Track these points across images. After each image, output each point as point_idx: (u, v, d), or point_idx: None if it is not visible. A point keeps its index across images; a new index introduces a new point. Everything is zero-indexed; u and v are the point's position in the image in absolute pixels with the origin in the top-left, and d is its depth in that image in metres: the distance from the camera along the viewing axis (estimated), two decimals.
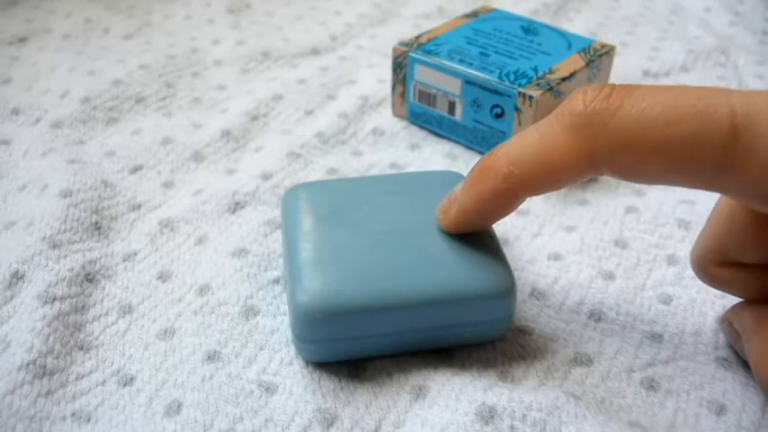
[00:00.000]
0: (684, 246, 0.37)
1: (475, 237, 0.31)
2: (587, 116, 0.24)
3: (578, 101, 0.24)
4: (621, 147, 0.24)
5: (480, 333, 0.31)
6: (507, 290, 0.29)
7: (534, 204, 0.41)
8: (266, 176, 0.43)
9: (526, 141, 0.26)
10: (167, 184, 0.42)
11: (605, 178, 0.43)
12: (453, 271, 0.29)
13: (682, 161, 0.23)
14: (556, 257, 0.37)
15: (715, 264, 0.30)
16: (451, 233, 0.31)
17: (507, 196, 0.27)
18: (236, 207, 0.40)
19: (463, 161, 0.45)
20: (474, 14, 0.52)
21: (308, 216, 0.32)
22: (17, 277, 0.34)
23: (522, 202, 0.28)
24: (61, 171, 0.41)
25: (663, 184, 0.25)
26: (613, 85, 0.24)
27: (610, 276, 0.36)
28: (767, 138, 0.22)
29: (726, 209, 0.29)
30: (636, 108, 0.23)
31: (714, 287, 0.31)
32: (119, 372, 0.30)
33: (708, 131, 0.22)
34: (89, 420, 0.29)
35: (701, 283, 0.35)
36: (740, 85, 0.55)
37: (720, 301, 0.34)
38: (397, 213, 0.32)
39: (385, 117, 0.50)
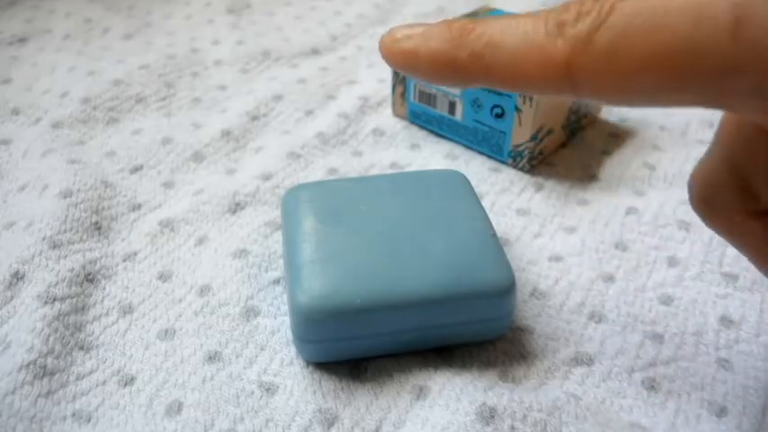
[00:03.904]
0: (685, 247, 0.37)
1: (475, 236, 0.31)
2: (574, 27, 0.20)
3: (572, 11, 0.21)
4: (603, 63, 0.20)
5: (481, 332, 0.31)
6: (507, 288, 0.29)
7: (535, 204, 0.41)
8: (266, 177, 0.43)
9: (512, 31, 0.22)
10: (167, 184, 0.42)
11: (605, 178, 0.43)
12: (453, 269, 0.29)
13: (674, 73, 0.19)
14: (556, 259, 0.37)
15: (731, 205, 0.24)
16: (388, 61, 0.25)
17: (465, 73, 0.23)
18: (236, 207, 0.40)
19: (463, 161, 0.45)
20: (474, 14, 0.51)
21: (308, 216, 0.32)
22: (17, 277, 0.34)
23: (475, 85, 0.24)
24: (61, 171, 0.41)
25: (654, 105, 0.21)
26: None
27: (610, 278, 0.36)
28: None
29: (738, 132, 0.23)
30: (623, 17, 0.20)
31: (725, 237, 0.25)
32: (119, 372, 0.30)
33: (704, 31, 0.18)
34: (89, 420, 0.28)
35: (701, 284, 0.35)
36: None
37: (722, 302, 0.34)
38: (396, 213, 0.32)
39: (385, 117, 0.50)
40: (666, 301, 0.34)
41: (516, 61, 0.22)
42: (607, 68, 0.20)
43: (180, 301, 0.34)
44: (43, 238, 0.36)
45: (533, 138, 0.42)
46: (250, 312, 0.33)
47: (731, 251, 0.37)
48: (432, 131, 0.48)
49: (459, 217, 0.32)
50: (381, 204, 0.32)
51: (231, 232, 0.38)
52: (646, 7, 0.19)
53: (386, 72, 0.55)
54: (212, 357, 0.31)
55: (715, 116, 0.51)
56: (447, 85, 0.24)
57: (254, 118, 0.49)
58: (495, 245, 0.31)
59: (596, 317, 0.33)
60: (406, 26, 0.25)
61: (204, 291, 0.35)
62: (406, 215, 0.32)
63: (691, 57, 0.18)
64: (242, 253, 0.37)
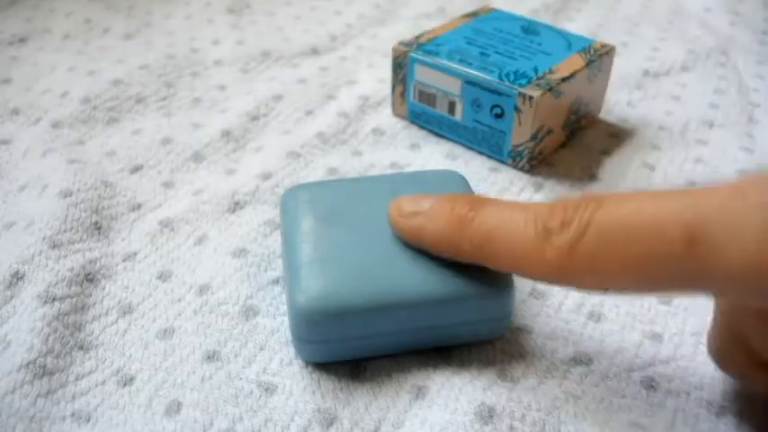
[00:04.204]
0: None
1: None
2: (559, 237, 0.24)
3: (557, 218, 0.25)
4: (587, 267, 0.24)
5: (479, 332, 0.31)
6: (505, 289, 0.29)
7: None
8: (266, 176, 0.43)
9: (504, 227, 0.26)
10: (167, 184, 0.42)
11: (605, 178, 0.43)
12: (452, 270, 0.29)
13: (646, 279, 0.23)
14: None
15: (740, 361, 0.28)
16: (396, 234, 0.31)
17: (464, 257, 0.28)
18: (235, 207, 0.40)
19: (463, 161, 0.45)
20: (474, 14, 0.52)
21: (307, 216, 0.32)
22: (17, 277, 0.34)
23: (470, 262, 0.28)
24: (61, 171, 0.41)
25: (634, 295, 0.25)
26: (587, 202, 0.24)
27: None
28: (725, 245, 0.20)
29: (726, 304, 0.27)
30: (599, 230, 0.23)
31: (742, 383, 0.30)
32: (118, 372, 0.31)
33: (664, 249, 0.22)
34: (89, 420, 0.29)
35: None
36: (740, 85, 0.55)
37: None
38: None
39: (385, 117, 0.50)
40: (665, 300, 0.34)
41: (511, 259, 0.26)
42: (590, 272, 0.24)
43: (179, 300, 0.34)
44: (43, 238, 0.36)
45: (533, 138, 0.42)
46: (249, 312, 0.33)
47: None
48: (431, 131, 0.48)
49: None
50: (380, 204, 0.32)
51: (231, 231, 0.39)
52: (618, 222, 0.23)
53: (386, 72, 0.55)
54: (211, 357, 0.31)
55: (714, 116, 0.51)
56: (449, 258, 0.29)
57: (254, 118, 0.49)
58: None
59: (595, 316, 0.33)
60: (411, 200, 0.30)
61: (203, 290, 0.35)
62: None
63: (656, 267, 0.22)
64: (241, 252, 0.37)
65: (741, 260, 0.20)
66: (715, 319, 0.28)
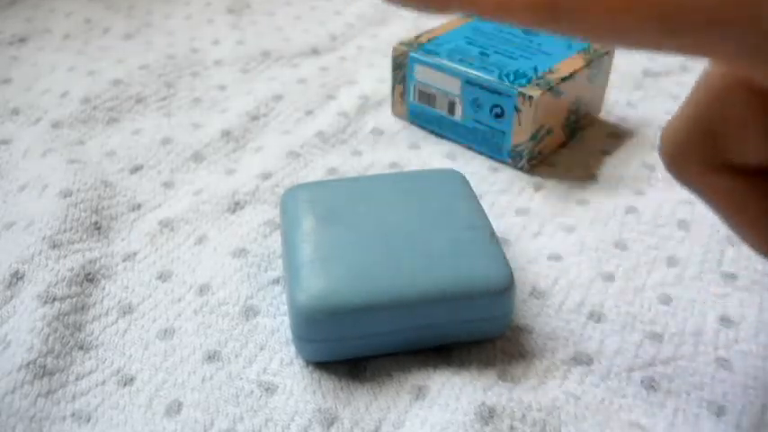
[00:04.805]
0: (684, 247, 0.37)
1: (473, 235, 0.31)
2: None
3: None
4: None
5: (480, 331, 0.31)
6: (506, 287, 0.30)
7: (534, 204, 0.41)
8: (266, 176, 0.43)
9: None
10: (167, 184, 0.42)
11: (605, 178, 0.43)
12: (452, 269, 0.29)
13: (658, 17, 0.18)
14: (556, 258, 0.37)
15: (701, 159, 0.23)
16: None
17: (452, 3, 0.21)
18: (235, 207, 0.40)
19: (463, 161, 0.45)
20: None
21: (307, 216, 0.32)
22: (17, 277, 0.34)
23: (451, 12, 0.21)
24: (61, 171, 0.41)
25: (637, 49, 0.19)
26: None
27: (610, 277, 0.36)
28: None
29: (719, 82, 0.22)
30: None
31: (693, 191, 0.25)
32: (119, 372, 0.30)
33: None
34: (89, 420, 0.29)
35: (701, 283, 0.35)
36: None
37: (721, 301, 0.34)
38: (395, 212, 0.32)
39: (385, 117, 0.50)
40: (666, 300, 0.34)
41: None
42: (591, 4, 0.18)
43: (179, 300, 0.34)
44: (43, 238, 0.36)
45: (533, 137, 0.42)
46: (249, 312, 0.33)
47: (730, 251, 0.37)
48: (431, 131, 0.48)
49: (457, 216, 0.32)
50: (380, 204, 0.32)
51: (230, 231, 0.39)
52: None
53: (386, 72, 0.55)
54: (211, 357, 0.31)
55: None
56: (431, 11, 0.21)
57: (254, 118, 0.49)
58: (493, 244, 0.31)
59: (595, 316, 0.33)
60: None
61: (203, 290, 0.35)
62: (404, 215, 0.32)
63: (676, 3, 0.17)
64: (241, 252, 0.37)
65: None
66: (684, 108, 0.24)
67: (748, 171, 0.23)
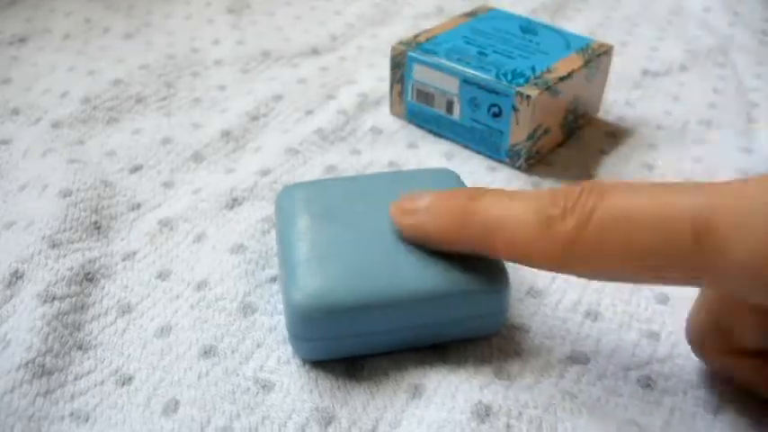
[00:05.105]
0: None
1: None
2: (563, 225, 0.24)
3: (559, 206, 0.25)
4: (590, 255, 0.24)
5: (476, 328, 0.31)
6: (500, 284, 0.30)
7: None
8: (264, 172, 0.43)
9: (508, 214, 0.26)
10: (167, 184, 0.43)
11: (603, 177, 0.43)
12: (447, 267, 0.29)
13: (649, 269, 0.23)
14: None
15: (718, 348, 0.28)
16: (399, 232, 0.31)
17: (465, 247, 0.28)
18: (233, 203, 0.40)
19: (461, 160, 0.45)
20: (472, 14, 0.52)
21: (302, 215, 0.32)
22: (17, 276, 0.34)
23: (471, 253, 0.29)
24: (61, 171, 0.42)
25: (636, 283, 0.25)
26: (590, 190, 0.24)
27: None
28: (733, 240, 0.21)
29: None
30: (601, 219, 0.24)
31: (717, 371, 0.30)
32: (117, 371, 0.31)
33: (671, 241, 0.22)
34: (87, 420, 0.29)
35: None
36: (739, 85, 0.55)
37: None
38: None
39: (384, 115, 0.50)
40: (662, 299, 0.34)
41: (513, 247, 0.26)
42: (593, 260, 0.24)
43: (177, 297, 0.34)
44: (43, 238, 0.36)
45: (530, 137, 0.43)
46: (247, 309, 0.33)
47: None
48: (429, 130, 0.48)
49: None
50: (375, 203, 0.32)
51: (229, 228, 0.39)
52: (623, 211, 0.23)
53: (385, 71, 0.55)
54: (208, 352, 0.31)
55: (713, 116, 0.51)
56: (452, 252, 0.29)
57: (254, 118, 0.49)
58: None
59: (592, 315, 0.33)
60: (411, 197, 0.30)
61: (201, 285, 0.35)
62: None
63: (661, 257, 0.22)
64: (239, 248, 0.37)
65: (747, 256, 0.21)
66: (698, 304, 0.29)
67: (760, 351, 0.28)
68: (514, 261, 0.27)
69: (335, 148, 0.46)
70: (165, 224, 0.39)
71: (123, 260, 0.37)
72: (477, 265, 0.30)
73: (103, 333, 0.32)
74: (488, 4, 0.64)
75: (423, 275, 0.29)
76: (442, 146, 0.47)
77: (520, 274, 0.36)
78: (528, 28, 0.49)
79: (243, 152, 0.46)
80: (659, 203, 0.23)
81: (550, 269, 0.26)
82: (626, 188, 0.24)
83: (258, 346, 0.32)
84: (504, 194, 0.27)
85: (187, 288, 0.35)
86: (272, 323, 0.33)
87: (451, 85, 0.44)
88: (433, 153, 0.46)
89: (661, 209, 0.22)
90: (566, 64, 0.44)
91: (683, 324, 0.33)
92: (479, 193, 0.28)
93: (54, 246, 0.36)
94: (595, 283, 0.35)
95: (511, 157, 0.44)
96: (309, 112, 0.50)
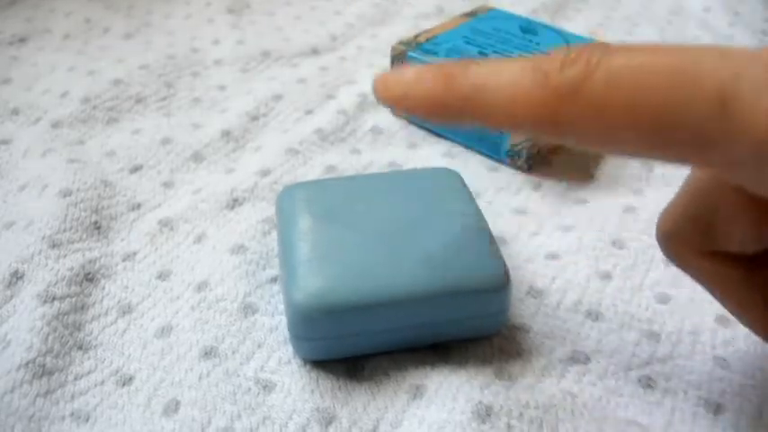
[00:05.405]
0: None
1: (469, 233, 0.31)
2: (561, 79, 0.21)
3: (556, 61, 0.22)
4: (589, 115, 0.21)
5: (476, 328, 0.31)
6: (501, 283, 0.30)
7: (532, 203, 0.41)
8: (265, 173, 0.43)
9: (499, 75, 0.23)
10: (167, 184, 0.42)
11: (603, 177, 0.43)
12: (448, 266, 0.29)
13: (658, 133, 0.20)
14: (553, 256, 0.37)
15: (693, 246, 0.26)
16: (383, 103, 0.26)
17: (454, 114, 0.24)
18: (234, 204, 0.40)
19: (461, 160, 0.45)
20: (473, 14, 0.52)
21: (303, 215, 0.32)
22: (17, 277, 0.34)
23: (466, 123, 0.25)
24: (61, 171, 0.42)
25: (636, 157, 0.22)
26: (595, 45, 0.21)
27: (607, 276, 0.36)
28: (760, 110, 0.18)
29: (708, 178, 0.25)
30: (612, 71, 0.20)
31: (687, 273, 0.27)
32: (117, 372, 0.31)
33: (688, 102, 0.19)
34: (88, 420, 0.29)
35: None
36: None
37: None
38: (391, 210, 0.32)
39: (384, 116, 0.50)
40: (663, 299, 0.34)
41: (502, 106, 0.22)
42: (593, 120, 0.21)
43: (178, 298, 0.34)
44: (43, 238, 0.36)
45: (531, 137, 0.42)
46: (248, 309, 0.33)
47: None
48: (430, 130, 0.48)
49: (453, 214, 0.32)
50: (376, 203, 0.33)
51: (229, 228, 0.39)
52: (638, 66, 0.20)
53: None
54: (208, 353, 0.31)
55: None
56: (440, 122, 0.25)
57: (254, 118, 0.49)
58: (489, 241, 0.31)
59: (593, 315, 0.33)
60: (396, 72, 0.26)
61: (202, 286, 0.35)
62: (400, 213, 0.32)
63: (676, 121, 0.19)
64: (240, 249, 0.37)
65: None
66: (678, 197, 0.27)
67: (737, 257, 0.25)
68: (504, 125, 0.23)
69: (335, 148, 0.46)
70: (166, 224, 0.39)
71: (123, 260, 0.37)
72: (479, 264, 0.30)
73: (104, 333, 0.32)
74: (488, 4, 0.64)
75: (424, 275, 0.29)
76: (443, 146, 0.47)
77: (520, 274, 0.36)
78: (528, 28, 0.49)
79: (243, 152, 0.46)
80: (683, 61, 0.20)
81: (545, 131, 0.22)
82: (640, 46, 0.21)
83: (259, 346, 0.32)
84: (498, 59, 0.24)
85: (188, 289, 0.35)
86: (273, 324, 0.33)
87: None
88: (433, 153, 0.46)
89: (686, 67, 0.19)
90: None
91: (684, 324, 0.33)
92: (470, 61, 0.24)
93: (54, 246, 0.36)
94: (596, 283, 0.35)
95: (511, 158, 0.44)
96: (309, 112, 0.50)
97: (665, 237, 0.27)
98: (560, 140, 0.22)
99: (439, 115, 0.25)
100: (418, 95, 0.25)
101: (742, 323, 0.27)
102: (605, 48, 0.21)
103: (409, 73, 0.25)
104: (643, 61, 0.20)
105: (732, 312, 0.27)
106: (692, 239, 0.26)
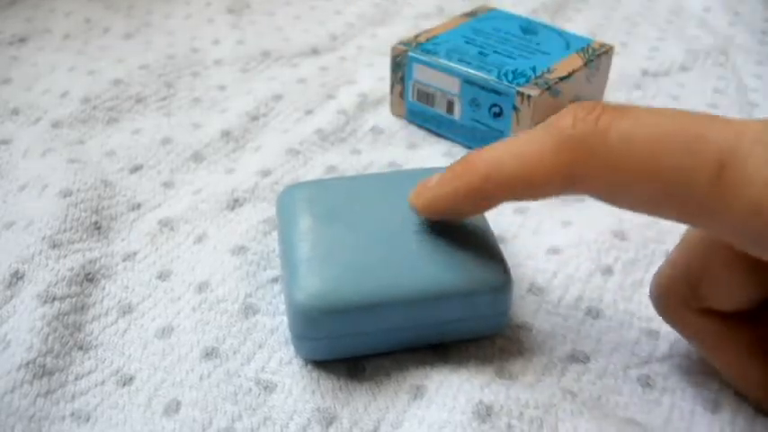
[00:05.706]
0: None
1: (471, 233, 0.31)
2: (574, 136, 0.23)
3: (568, 118, 0.24)
4: (604, 172, 0.23)
5: (478, 328, 0.31)
6: (502, 285, 0.30)
7: (532, 202, 0.41)
8: (265, 173, 0.43)
9: (512, 148, 0.26)
10: (167, 184, 0.43)
11: None
12: (449, 267, 0.29)
13: (664, 193, 0.22)
14: (555, 251, 0.37)
15: (683, 303, 0.28)
16: (421, 215, 0.30)
17: (482, 197, 0.27)
18: (234, 204, 0.40)
19: None
20: (473, 14, 0.52)
21: (304, 215, 0.32)
22: (17, 277, 0.34)
23: (495, 205, 0.27)
24: (61, 171, 0.42)
25: (642, 212, 0.24)
26: (604, 106, 0.23)
27: (608, 271, 0.36)
28: (754, 178, 0.20)
29: (703, 237, 0.27)
30: (624, 133, 0.22)
31: (677, 330, 0.29)
32: (118, 372, 0.31)
33: (693, 166, 0.21)
34: (88, 420, 0.29)
35: None
36: (739, 85, 0.55)
37: None
38: (392, 210, 0.32)
39: (384, 116, 0.50)
40: None
41: (520, 173, 0.25)
42: (607, 176, 0.23)
43: (179, 298, 0.34)
44: (43, 238, 0.36)
45: None
46: (248, 310, 0.33)
47: None
48: (430, 131, 0.48)
49: None
50: (377, 202, 0.33)
51: (230, 229, 0.39)
52: (647, 130, 0.22)
53: (385, 71, 0.55)
54: (209, 354, 0.31)
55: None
56: (474, 213, 0.29)
57: (254, 118, 0.49)
58: (490, 242, 0.31)
59: (593, 312, 0.33)
60: (422, 181, 0.30)
61: (202, 287, 0.35)
62: (401, 213, 0.32)
63: (678, 184, 0.21)
64: (240, 250, 0.37)
65: (765, 197, 0.20)
66: (669, 257, 0.28)
67: (725, 315, 0.27)
68: (524, 195, 0.26)
69: (336, 148, 0.46)
70: (166, 224, 0.39)
71: (124, 260, 0.37)
72: (480, 265, 0.30)
73: (104, 333, 0.32)
74: (488, 4, 0.64)
75: (425, 275, 0.29)
76: (443, 146, 0.47)
77: (521, 271, 0.36)
78: (528, 28, 0.49)
79: (243, 152, 0.46)
80: (686, 124, 0.22)
81: (555, 190, 0.25)
82: (649, 109, 0.23)
83: (260, 347, 0.32)
84: (508, 139, 0.26)
85: (188, 289, 0.35)
86: (274, 324, 0.33)
87: (452, 86, 0.45)
88: (433, 153, 0.46)
89: (688, 129, 0.21)
90: (566, 64, 0.44)
91: None
92: (481, 149, 0.27)
93: (54, 246, 0.36)
94: (597, 279, 0.35)
95: None
96: (309, 112, 0.50)
97: (659, 293, 0.28)
98: (573, 194, 0.25)
99: (464, 206, 0.28)
100: (445, 195, 0.28)
101: (727, 380, 0.29)
102: (613, 108, 0.23)
103: (433, 179, 0.29)
104: (654, 125, 0.22)
105: (716, 366, 0.29)
106: (682, 295, 0.27)
